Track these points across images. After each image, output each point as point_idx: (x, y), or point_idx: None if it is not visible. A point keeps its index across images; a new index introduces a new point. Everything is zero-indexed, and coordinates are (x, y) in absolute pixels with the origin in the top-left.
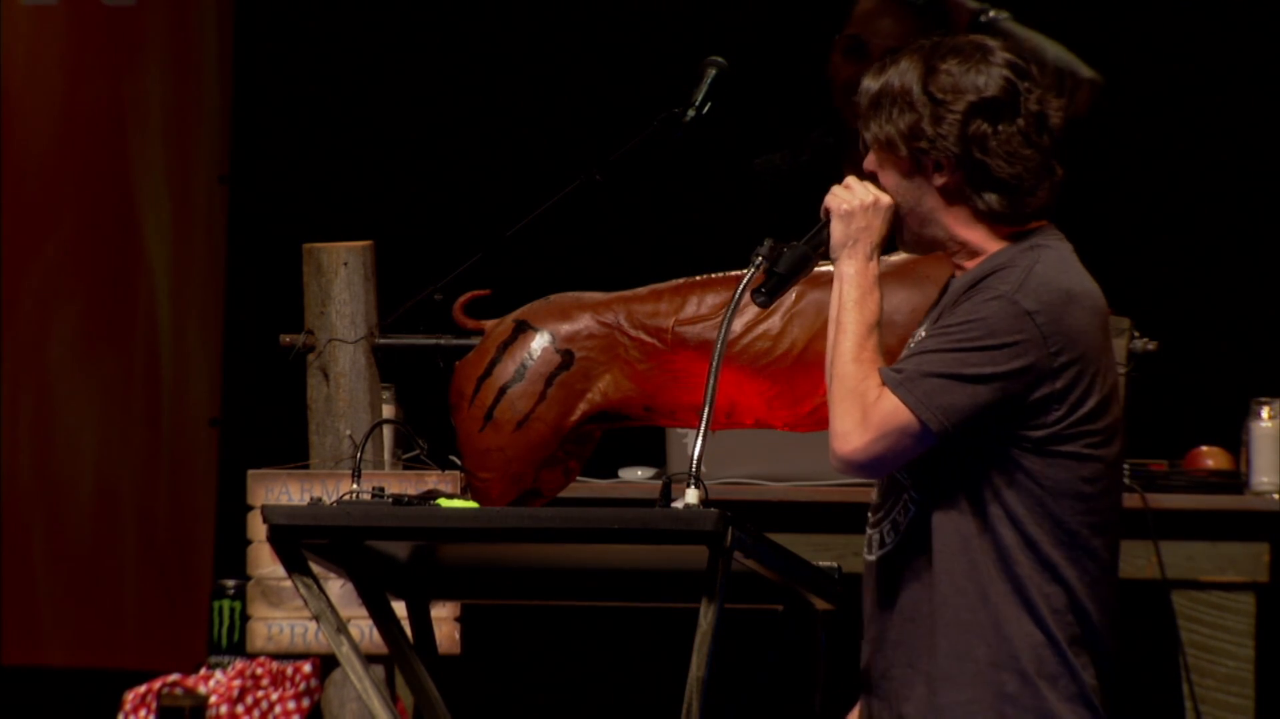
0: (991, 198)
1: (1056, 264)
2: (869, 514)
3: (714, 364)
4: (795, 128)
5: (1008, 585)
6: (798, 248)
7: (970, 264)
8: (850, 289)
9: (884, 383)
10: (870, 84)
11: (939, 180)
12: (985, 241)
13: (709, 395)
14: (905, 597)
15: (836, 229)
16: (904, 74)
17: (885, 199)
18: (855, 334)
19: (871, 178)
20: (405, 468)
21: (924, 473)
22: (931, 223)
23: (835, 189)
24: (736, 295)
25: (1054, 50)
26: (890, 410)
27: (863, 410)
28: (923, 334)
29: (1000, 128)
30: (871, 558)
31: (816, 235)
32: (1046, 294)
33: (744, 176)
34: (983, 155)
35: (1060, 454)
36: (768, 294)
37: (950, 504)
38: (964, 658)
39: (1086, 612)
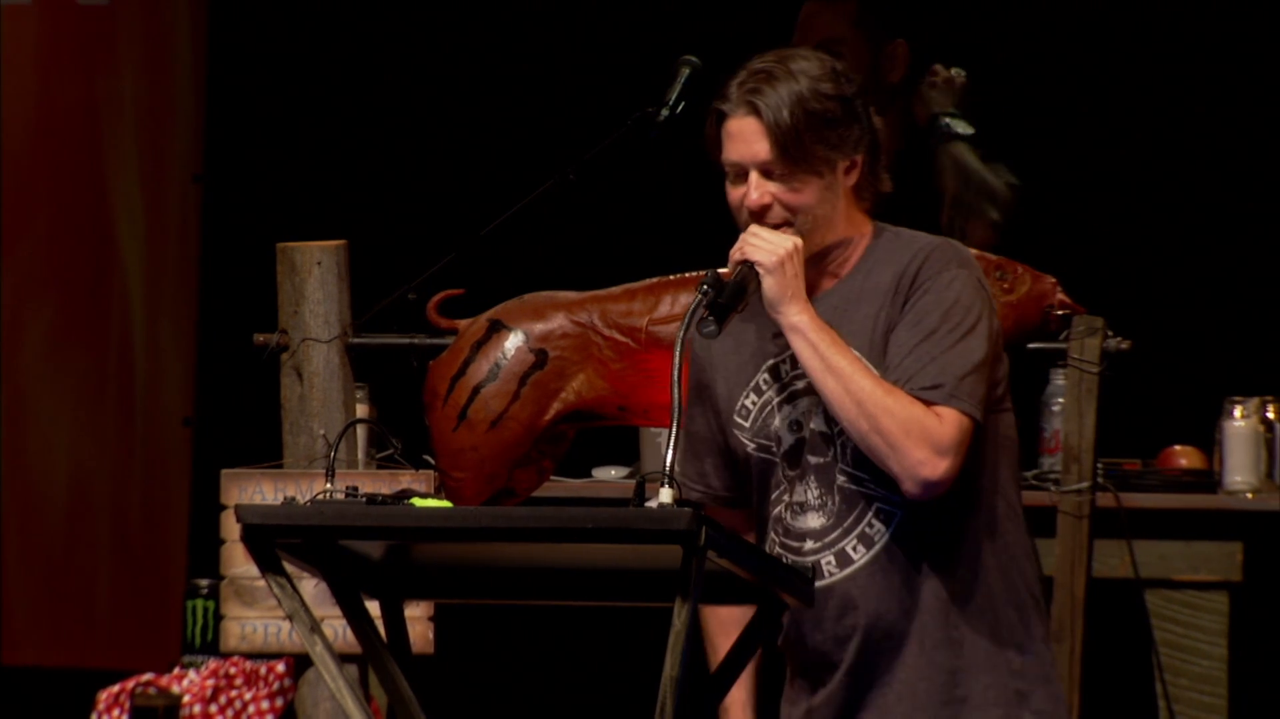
0: (885, 174)
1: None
2: (804, 541)
3: (674, 373)
4: None
5: (1001, 557)
6: (734, 283)
7: (844, 270)
8: (819, 335)
9: (933, 403)
10: (775, 115)
11: (851, 178)
12: (855, 234)
13: (675, 397)
14: (898, 598)
15: (772, 282)
16: (800, 93)
17: (799, 241)
18: (860, 370)
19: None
20: (379, 467)
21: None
22: (832, 228)
23: (750, 241)
24: (686, 321)
25: (979, 174)
26: (957, 423)
27: (932, 436)
28: (858, 340)
29: (871, 109)
30: (837, 577)
31: (742, 279)
32: (971, 259)
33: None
34: (876, 139)
35: (1006, 408)
36: (717, 324)
37: (948, 491)
38: (972, 646)
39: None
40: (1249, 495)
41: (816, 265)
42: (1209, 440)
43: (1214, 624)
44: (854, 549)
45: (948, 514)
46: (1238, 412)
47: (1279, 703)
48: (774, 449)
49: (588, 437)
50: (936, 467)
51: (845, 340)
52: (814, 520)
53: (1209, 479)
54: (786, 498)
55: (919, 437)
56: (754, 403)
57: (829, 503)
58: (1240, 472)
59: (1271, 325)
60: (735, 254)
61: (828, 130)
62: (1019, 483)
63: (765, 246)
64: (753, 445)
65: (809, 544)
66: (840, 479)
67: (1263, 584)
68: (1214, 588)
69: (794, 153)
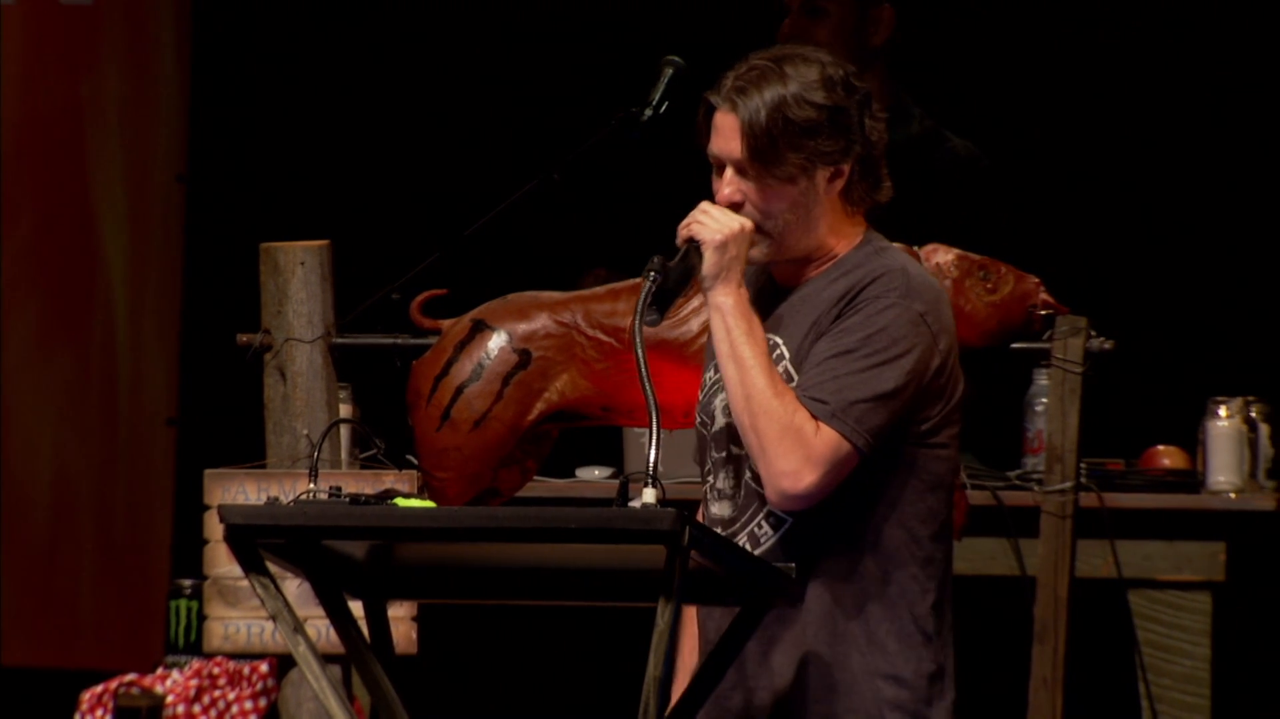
0: (886, 186)
1: (915, 264)
2: (715, 528)
3: (641, 370)
4: None
5: (889, 589)
6: (678, 266)
7: (814, 273)
8: (736, 320)
9: (815, 416)
10: (752, 117)
11: (835, 186)
12: (840, 243)
13: (648, 397)
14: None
15: (711, 259)
16: (784, 98)
17: (750, 224)
18: (761, 366)
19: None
20: (362, 467)
21: None
22: (809, 234)
23: (698, 218)
24: (639, 307)
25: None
26: (833, 444)
27: (806, 447)
28: (780, 357)
29: (869, 120)
30: None
31: (686, 258)
32: (928, 294)
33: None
34: (872, 150)
35: (936, 445)
36: (659, 311)
37: (838, 510)
38: (842, 667)
39: (949, 603)
40: (1232, 495)
41: (795, 263)
42: (1192, 440)
43: (1197, 624)
44: (746, 542)
45: (834, 534)
46: (1221, 411)
47: (1261, 703)
48: (709, 426)
49: (571, 437)
50: (799, 480)
51: (784, 339)
52: (725, 509)
53: (1192, 479)
54: (711, 479)
55: (790, 446)
56: (710, 378)
57: (737, 495)
58: (1223, 472)
59: (1254, 325)
60: (683, 230)
61: (805, 139)
62: (938, 521)
63: (712, 225)
64: (698, 419)
65: (723, 528)
66: (748, 474)
67: (1245, 584)
68: (1197, 588)
69: (766, 157)
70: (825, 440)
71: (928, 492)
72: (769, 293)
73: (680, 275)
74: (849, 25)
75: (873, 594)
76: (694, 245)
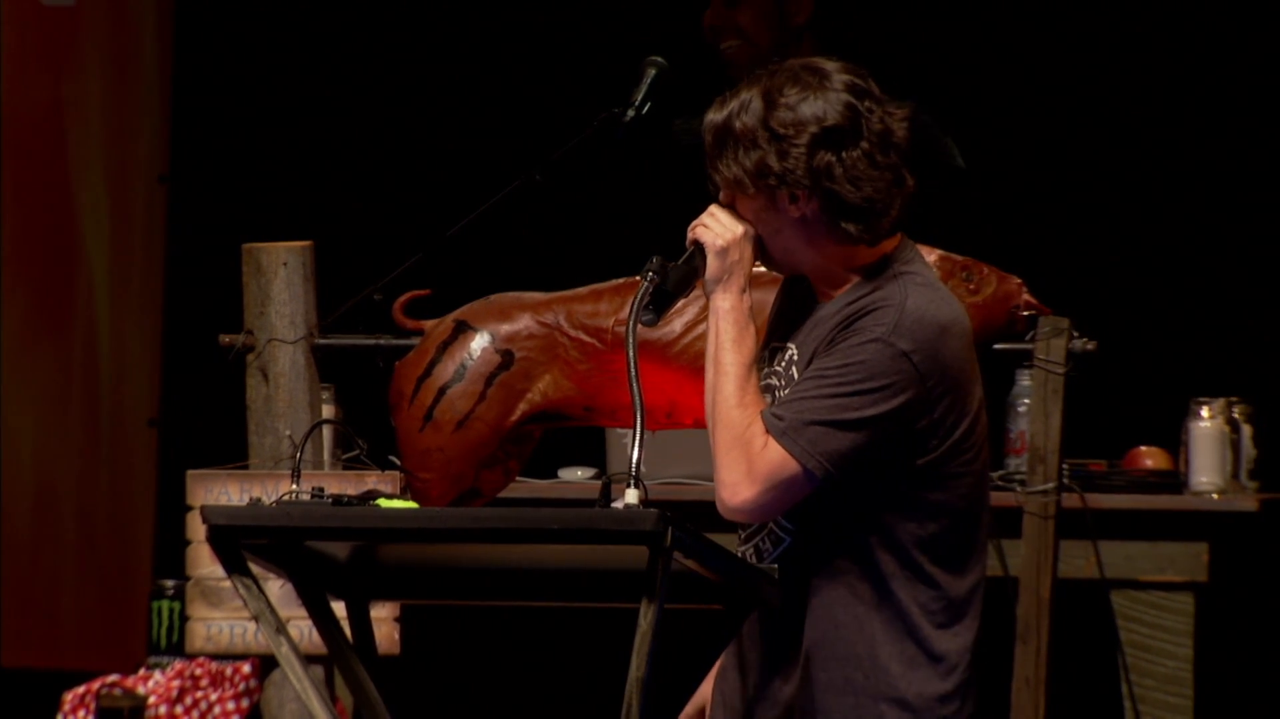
0: (849, 225)
1: (925, 294)
2: (739, 532)
3: (631, 371)
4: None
5: (888, 612)
6: (680, 268)
7: (835, 292)
8: (728, 326)
9: (767, 430)
10: (713, 119)
11: (794, 213)
12: (847, 270)
13: (635, 397)
14: (775, 625)
15: (712, 264)
16: (744, 110)
17: (753, 231)
18: (736, 376)
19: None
20: (345, 468)
21: (800, 506)
22: (794, 252)
23: (705, 221)
24: (634, 309)
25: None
26: (777, 461)
27: (749, 461)
28: (791, 368)
29: (845, 154)
30: None
31: (690, 260)
32: (920, 331)
33: (664, 136)
34: (832, 184)
35: (939, 476)
36: (656, 312)
37: (830, 535)
38: (843, 690)
39: (969, 621)
40: (1215, 496)
41: (819, 280)
42: (1175, 441)
43: (1180, 625)
44: (752, 554)
45: (831, 557)
46: (1204, 412)
47: (1244, 704)
48: None
49: (554, 437)
50: (736, 493)
51: (800, 353)
52: None
53: (1175, 480)
54: None
55: (737, 458)
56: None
57: None
58: (1206, 472)
59: (1237, 326)
60: (690, 231)
61: (740, 152)
62: (949, 546)
63: (715, 228)
64: None
65: (741, 534)
66: None
67: (1228, 585)
68: (1180, 588)
69: (710, 154)
70: (770, 458)
71: (930, 519)
72: (808, 304)
73: (682, 276)
74: (768, 7)
75: (874, 617)
76: (699, 248)
